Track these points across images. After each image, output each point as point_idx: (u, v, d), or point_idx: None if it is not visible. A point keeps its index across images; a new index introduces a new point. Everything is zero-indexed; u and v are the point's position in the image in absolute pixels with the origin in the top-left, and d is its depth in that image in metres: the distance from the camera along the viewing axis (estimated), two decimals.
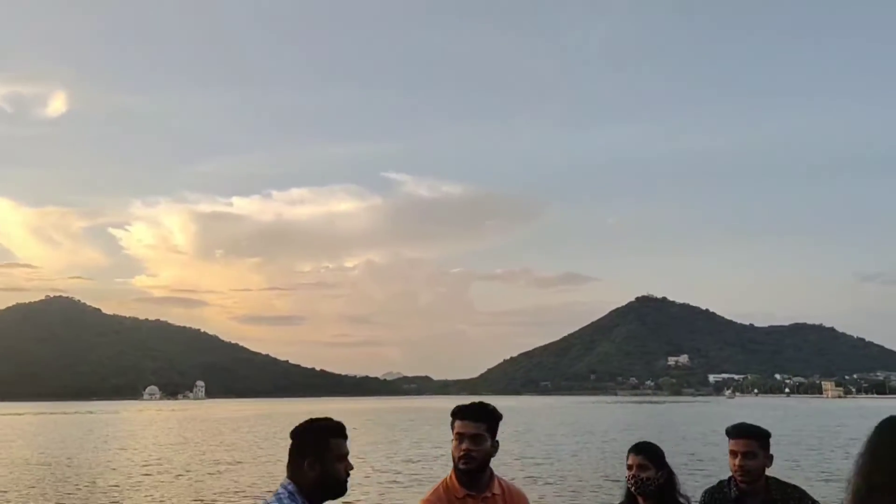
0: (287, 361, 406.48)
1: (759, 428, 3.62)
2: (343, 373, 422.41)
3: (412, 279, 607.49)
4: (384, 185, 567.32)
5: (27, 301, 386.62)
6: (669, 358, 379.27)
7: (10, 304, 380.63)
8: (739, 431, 3.58)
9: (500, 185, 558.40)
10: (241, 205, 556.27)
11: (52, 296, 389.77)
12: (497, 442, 3.26)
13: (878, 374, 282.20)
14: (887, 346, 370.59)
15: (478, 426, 3.16)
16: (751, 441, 3.54)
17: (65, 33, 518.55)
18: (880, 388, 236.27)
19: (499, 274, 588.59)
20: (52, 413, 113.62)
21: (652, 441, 3.69)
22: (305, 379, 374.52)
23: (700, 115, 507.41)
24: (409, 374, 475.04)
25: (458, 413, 3.22)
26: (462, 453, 3.13)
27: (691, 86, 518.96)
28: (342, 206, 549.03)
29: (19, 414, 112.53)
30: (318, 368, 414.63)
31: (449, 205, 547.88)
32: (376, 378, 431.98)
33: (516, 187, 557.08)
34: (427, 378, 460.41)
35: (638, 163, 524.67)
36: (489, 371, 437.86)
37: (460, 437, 3.17)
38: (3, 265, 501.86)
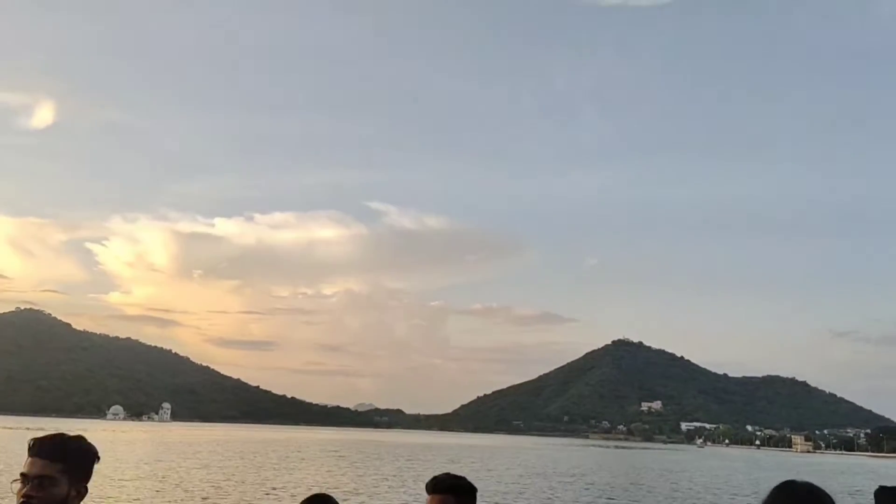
0: (258, 387, 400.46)
1: (462, 482, 3.05)
2: (314, 401, 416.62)
3: (390, 310, 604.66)
4: (367, 214, 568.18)
5: None
6: (643, 403, 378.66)
7: None
8: (437, 485, 3.01)
9: (483, 222, 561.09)
10: (223, 226, 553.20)
11: (22, 308, 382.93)
12: (83, 489, 2.55)
13: (849, 430, 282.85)
14: (858, 402, 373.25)
15: (51, 466, 2.47)
16: (448, 497, 2.98)
17: (56, 44, 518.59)
18: (849, 445, 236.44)
19: (477, 309, 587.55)
20: (8, 428, 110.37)
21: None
22: (276, 406, 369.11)
23: (684, 163, 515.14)
24: (382, 406, 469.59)
25: (30, 448, 2.52)
26: (21, 500, 2.43)
27: (677, 133, 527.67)
28: (324, 232, 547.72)
29: None
30: (289, 396, 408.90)
31: (431, 237, 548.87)
32: (348, 409, 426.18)
33: (499, 224, 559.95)
34: (399, 411, 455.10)
35: (621, 207, 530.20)
36: (462, 407, 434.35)
37: (24, 478, 2.48)
38: None
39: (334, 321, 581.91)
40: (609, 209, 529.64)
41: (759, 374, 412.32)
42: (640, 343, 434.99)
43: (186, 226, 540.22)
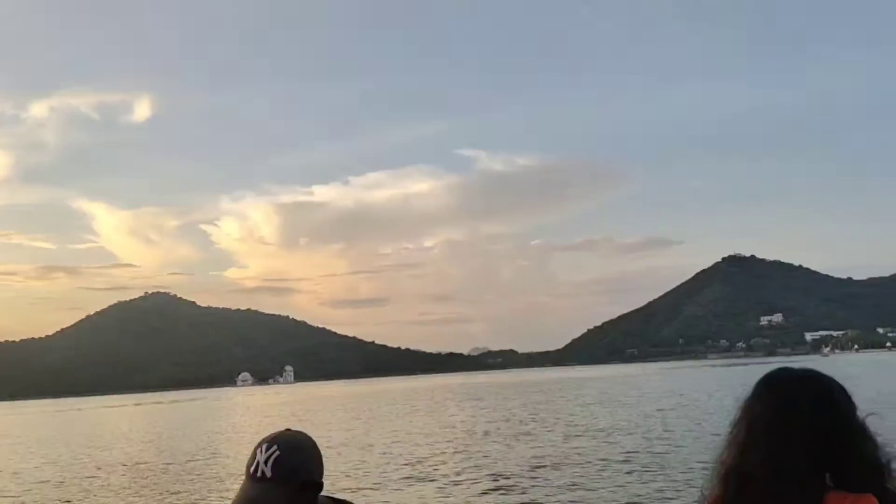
0: (374, 342, 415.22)
1: None
2: (429, 350, 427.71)
3: (492, 254, 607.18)
4: (458, 162, 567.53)
5: (127, 299, 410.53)
6: (762, 318, 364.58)
7: (111, 303, 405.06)
8: None
9: (575, 153, 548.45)
10: (321, 193, 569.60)
11: (150, 292, 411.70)
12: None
13: None
14: None
15: None
16: None
17: (142, 40, 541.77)
18: None
19: (579, 243, 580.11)
20: (157, 403, 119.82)
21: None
22: (393, 358, 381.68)
23: (782, 68, 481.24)
24: (495, 348, 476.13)
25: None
26: None
27: (771, 39, 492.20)
28: (418, 186, 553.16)
29: (121, 405, 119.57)
30: (404, 347, 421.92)
31: (524, 177, 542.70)
32: (461, 354, 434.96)
33: (591, 154, 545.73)
34: (512, 351, 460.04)
35: (717, 122, 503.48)
36: (574, 342, 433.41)
37: None
38: (105, 266, 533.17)
39: (439, 271, 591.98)
40: (705, 125, 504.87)
41: (888, 273, 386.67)
42: (753, 256, 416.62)
43: (288, 197, 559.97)
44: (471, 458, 22.94)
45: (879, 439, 1.68)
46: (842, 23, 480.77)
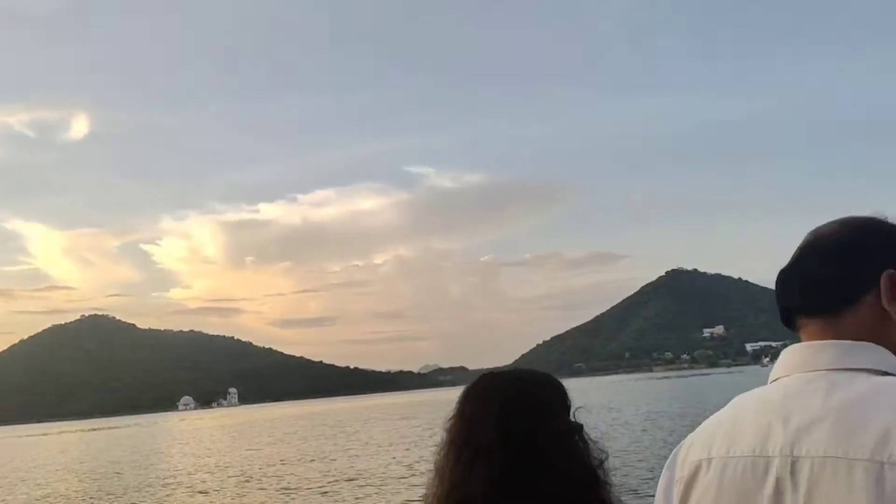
0: (321, 362, 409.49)
1: None
2: (379, 369, 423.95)
3: (442, 271, 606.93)
4: (406, 179, 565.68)
5: (63, 322, 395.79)
6: (704, 330, 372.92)
7: (46, 327, 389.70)
8: None
9: (522, 170, 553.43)
10: (267, 210, 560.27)
11: (87, 315, 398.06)
12: None
13: None
14: None
15: None
16: None
17: (80, 56, 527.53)
18: None
19: (528, 259, 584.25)
20: (87, 430, 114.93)
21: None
22: (341, 378, 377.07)
23: (725, 84, 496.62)
24: (445, 365, 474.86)
25: None
26: None
27: (713, 55, 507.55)
28: (367, 203, 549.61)
29: (51, 434, 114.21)
30: (352, 367, 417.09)
31: (473, 194, 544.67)
32: (411, 372, 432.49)
33: (538, 170, 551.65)
34: (463, 368, 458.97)
35: (659, 137, 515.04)
36: (522, 357, 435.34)
37: None
38: (40, 289, 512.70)
39: (388, 289, 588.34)
40: (648, 140, 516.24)
41: None
42: (695, 270, 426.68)
43: (233, 215, 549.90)
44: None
45: (596, 445, 1.49)
46: (783, 39, 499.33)
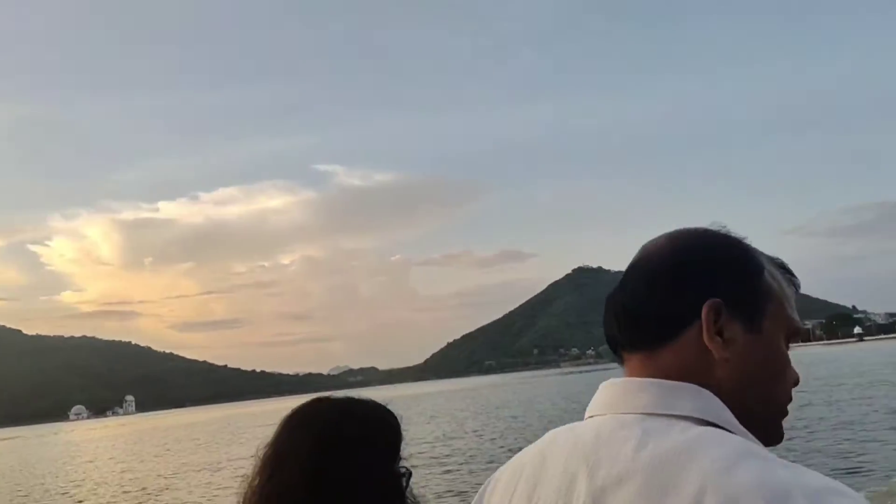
0: (226, 366, 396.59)
1: None
2: (287, 372, 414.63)
3: (351, 271, 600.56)
4: (315, 177, 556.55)
5: None
6: None
7: None
8: None
9: (433, 170, 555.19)
10: (168, 209, 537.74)
11: None
12: None
13: (807, 322, 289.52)
14: (814, 294, 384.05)
15: None
16: None
17: None
18: (805, 337, 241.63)
19: (438, 258, 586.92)
20: None
21: None
22: (246, 382, 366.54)
23: (614, 91, 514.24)
24: (356, 366, 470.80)
25: None
26: None
27: (615, 61, 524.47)
28: (273, 202, 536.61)
29: None
30: (259, 370, 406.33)
31: (383, 193, 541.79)
32: (320, 374, 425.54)
33: (448, 170, 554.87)
34: (373, 369, 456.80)
35: (566, 139, 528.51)
36: (433, 356, 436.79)
37: None
38: None
39: (296, 289, 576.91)
40: (555, 142, 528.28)
41: None
42: (600, 268, 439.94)
43: (129, 214, 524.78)
44: None
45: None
46: (685, 48, 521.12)
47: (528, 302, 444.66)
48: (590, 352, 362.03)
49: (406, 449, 1.29)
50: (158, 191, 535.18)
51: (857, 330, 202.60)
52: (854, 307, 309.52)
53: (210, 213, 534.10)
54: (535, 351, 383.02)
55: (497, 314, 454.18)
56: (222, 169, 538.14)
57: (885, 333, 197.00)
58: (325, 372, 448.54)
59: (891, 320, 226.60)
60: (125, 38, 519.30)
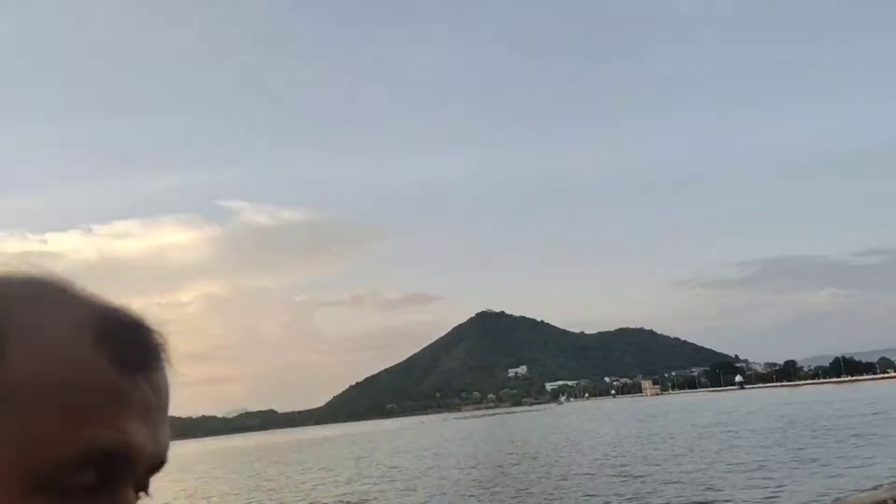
0: None
1: None
2: (179, 415, 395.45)
3: (254, 310, 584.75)
4: (220, 213, 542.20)
5: None
6: (510, 370, 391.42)
7: None
8: None
9: (341, 211, 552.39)
10: (57, 241, 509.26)
11: None
12: None
13: (693, 370, 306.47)
14: (699, 343, 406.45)
15: None
16: None
17: None
18: (692, 384, 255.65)
19: (345, 299, 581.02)
20: None
21: None
22: None
23: (529, 138, 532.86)
24: (254, 409, 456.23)
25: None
26: None
27: (524, 109, 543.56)
28: (174, 237, 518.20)
29: None
30: None
31: (290, 231, 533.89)
32: (215, 416, 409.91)
33: (356, 212, 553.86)
34: (272, 411, 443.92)
35: (476, 185, 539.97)
36: (335, 398, 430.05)
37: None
38: None
39: (195, 328, 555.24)
40: (464, 188, 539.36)
41: (612, 328, 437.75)
42: (502, 312, 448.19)
43: (14, 244, 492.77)
44: None
45: None
46: (586, 104, 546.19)
47: (432, 344, 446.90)
48: (490, 395, 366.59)
49: None
50: (48, 222, 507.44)
51: (738, 378, 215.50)
52: (736, 356, 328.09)
53: (104, 247, 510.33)
54: (438, 394, 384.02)
55: (401, 357, 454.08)
56: (120, 201, 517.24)
57: (763, 382, 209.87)
58: (219, 415, 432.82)
59: (769, 370, 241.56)
60: (11, 61, 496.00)
